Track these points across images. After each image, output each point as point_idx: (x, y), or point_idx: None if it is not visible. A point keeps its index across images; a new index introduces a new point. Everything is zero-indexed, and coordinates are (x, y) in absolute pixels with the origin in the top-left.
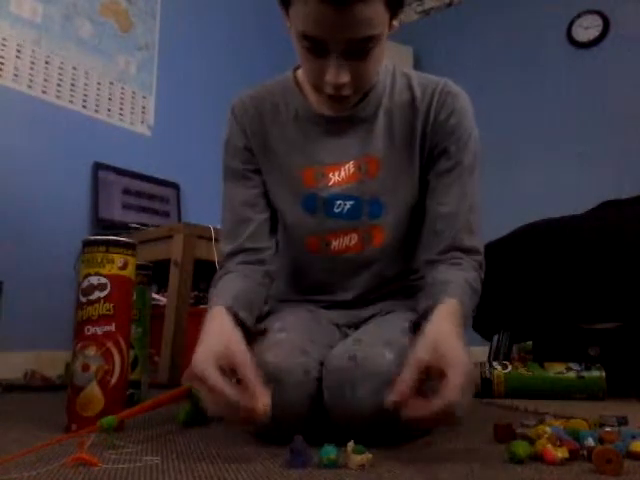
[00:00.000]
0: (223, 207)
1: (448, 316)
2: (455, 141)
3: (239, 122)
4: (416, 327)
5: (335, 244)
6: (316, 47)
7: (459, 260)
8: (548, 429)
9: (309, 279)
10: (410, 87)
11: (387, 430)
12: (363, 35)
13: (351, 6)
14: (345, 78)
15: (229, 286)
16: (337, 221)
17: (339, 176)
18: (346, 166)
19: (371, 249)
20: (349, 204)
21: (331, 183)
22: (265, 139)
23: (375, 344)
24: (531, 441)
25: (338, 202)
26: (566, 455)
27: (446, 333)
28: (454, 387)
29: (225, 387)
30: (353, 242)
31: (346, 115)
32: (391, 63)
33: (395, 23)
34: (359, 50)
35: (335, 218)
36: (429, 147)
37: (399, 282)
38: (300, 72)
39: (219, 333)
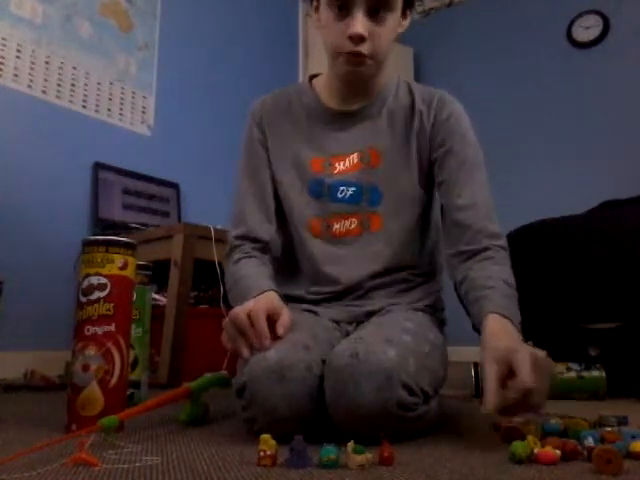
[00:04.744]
0: (239, 180)
1: (499, 327)
2: (458, 139)
3: (256, 116)
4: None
5: (337, 227)
6: (342, 4)
7: (490, 253)
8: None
9: (310, 266)
10: (411, 93)
11: (388, 427)
12: None
13: None
14: (365, 31)
15: (261, 270)
16: (340, 205)
17: (344, 165)
18: (351, 157)
19: (369, 233)
20: (351, 190)
21: (336, 171)
22: (279, 130)
23: (377, 342)
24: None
25: (341, 188)
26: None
27: (503, 340)
28: (524, 373)
29: (263, 325)
30: (353, 226)
31: (354, 110)
32: (396, 75)
33: (405, 22)
34: (377, 11)
35: (338, 202)
36: (432, 147)
37: (396, 274)
38: (315, 80)
39: (269, 298)
